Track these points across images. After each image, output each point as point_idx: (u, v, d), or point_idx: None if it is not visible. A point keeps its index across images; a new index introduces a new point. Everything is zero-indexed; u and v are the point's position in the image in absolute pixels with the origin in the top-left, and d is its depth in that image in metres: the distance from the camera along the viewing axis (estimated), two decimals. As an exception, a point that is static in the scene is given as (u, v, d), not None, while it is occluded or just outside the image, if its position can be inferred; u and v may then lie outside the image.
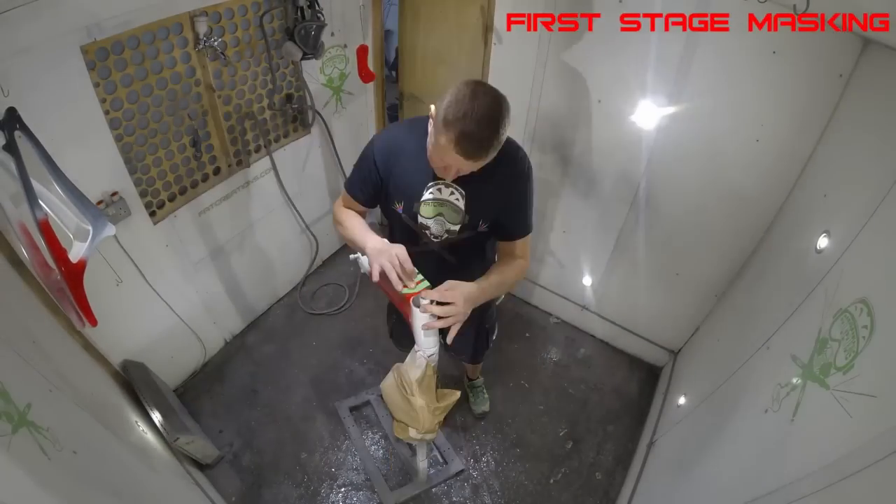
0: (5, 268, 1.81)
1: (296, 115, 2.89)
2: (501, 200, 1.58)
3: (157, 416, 2.25)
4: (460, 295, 1.44)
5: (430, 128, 1.42)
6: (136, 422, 2.16)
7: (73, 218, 1.55)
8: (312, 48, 2.55)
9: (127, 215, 2.17)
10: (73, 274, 1.46)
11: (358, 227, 1.61)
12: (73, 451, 1.34)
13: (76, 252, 1.49)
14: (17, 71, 1.64)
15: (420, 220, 1.64)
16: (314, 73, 2.85)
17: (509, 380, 3.05)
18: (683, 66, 2.10)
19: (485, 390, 2.90)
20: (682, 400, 2.44)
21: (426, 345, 1.57)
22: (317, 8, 2.50)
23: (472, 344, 2.35)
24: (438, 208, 1.60)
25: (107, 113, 1.98)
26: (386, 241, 1.52)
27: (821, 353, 1.32)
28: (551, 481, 2.59)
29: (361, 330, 3.29)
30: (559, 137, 2.68)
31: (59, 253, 1.42)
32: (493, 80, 2.73)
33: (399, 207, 1.63)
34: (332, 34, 2.78)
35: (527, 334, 3.35)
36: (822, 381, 1.26)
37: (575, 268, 3.13)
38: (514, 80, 2.63)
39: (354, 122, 3.33)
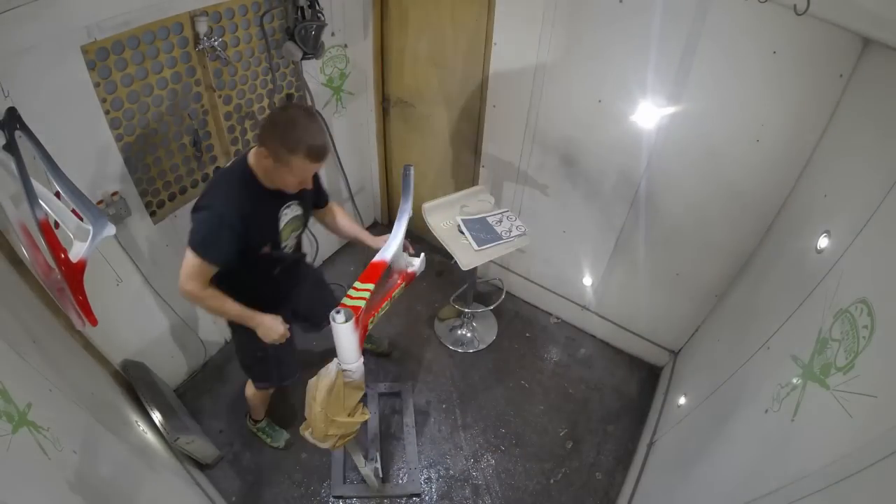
0: (5, 267, 1.81)
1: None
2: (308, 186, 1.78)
3: (157, 416, 2.25)
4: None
5: (266, 165, 1.63)
6: (137, 421, 2.16)
7: (73, 218, 1.55)
8: (312, 48, 2.55)
9: (127, 215, 2.18)
10: (74, 274, 1.47)
11: (238, 306, 1.80)
12: (73, 450, 1.35)
13: (76, 252, 1.51)
14: (17, 71, 1.64)
15: (282, 244, 1.89)
16: (314, 73, 2.85)
17: (509, 380, 3.05)
18: (684, 66, 2.10)
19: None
20: (682, 400, 2.44)
21: (344, 358, 1.62)
22: (317, 8, 2.50)
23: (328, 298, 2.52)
24: (290, 226, 1.89)
25: (107, 113, 1.99)
26: (271, 317, 1.86)
27: (821, 353, 1.32)
28: (551, 481, 2.59)
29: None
30: (559, 138, 2.68)
31: (58, 253, 1.43)
32: (493, 82, 2.74)
33: (267, 249, 1.83)
34: (333, 34, 2.78)
35: (527, 334, 3.35)
36: (822, 382, 1.26)
37: (575, 268, 3.12)
38: (514, 81, 2.63)
39: (355, 122, 3.33)
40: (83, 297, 1.54)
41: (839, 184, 1.74)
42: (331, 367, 1.65)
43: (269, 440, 2.66)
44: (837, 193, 1.71)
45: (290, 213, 1.85)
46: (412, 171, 2.06)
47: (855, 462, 1.02)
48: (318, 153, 1.57)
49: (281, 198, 1.78)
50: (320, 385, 1.64)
